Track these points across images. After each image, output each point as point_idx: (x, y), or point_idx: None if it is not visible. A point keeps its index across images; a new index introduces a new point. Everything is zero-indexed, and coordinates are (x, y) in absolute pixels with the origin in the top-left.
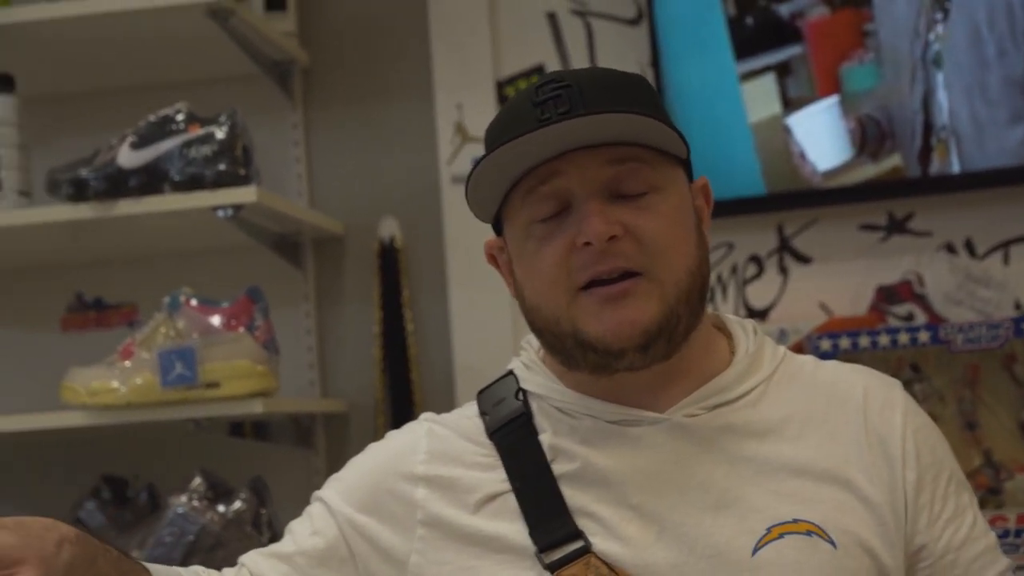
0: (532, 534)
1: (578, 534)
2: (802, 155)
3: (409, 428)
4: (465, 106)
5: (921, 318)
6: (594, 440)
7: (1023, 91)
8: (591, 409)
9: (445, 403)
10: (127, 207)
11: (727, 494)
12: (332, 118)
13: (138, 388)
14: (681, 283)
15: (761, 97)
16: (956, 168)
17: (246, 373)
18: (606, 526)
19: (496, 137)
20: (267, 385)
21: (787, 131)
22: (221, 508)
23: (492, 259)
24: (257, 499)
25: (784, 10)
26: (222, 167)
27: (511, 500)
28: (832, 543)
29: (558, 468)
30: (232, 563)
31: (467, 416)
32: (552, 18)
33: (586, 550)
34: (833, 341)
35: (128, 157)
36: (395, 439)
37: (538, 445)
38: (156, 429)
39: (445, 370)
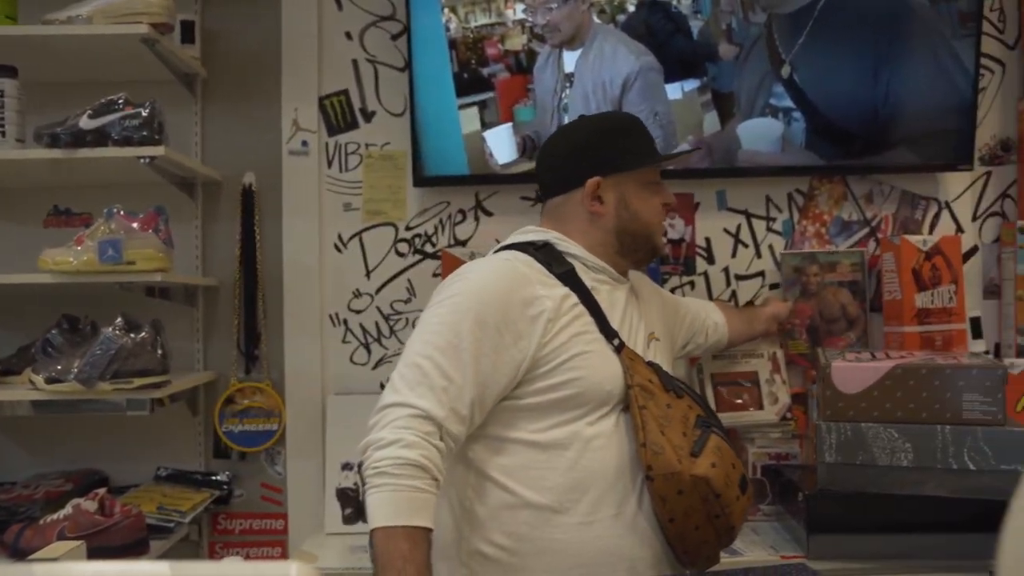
0: (600, 330)
1: (616, 334)
2: (491, 154)
3: (511, 267)
4: (299, 110)
5: None
6: (607, 285)
7: None
8: (607, 271)
9: (277, 282)
10: (84, 153)
11: (640, 316)
12: (219, 110)
13: (84, 262)
14: None
15: (469, 120)
16: None
17: (151, 257)
18: (618, 327)
19: (649, 144)
20: (164, 265)
21: (483, 140)
22: (133, 335)
23: (596, 187)
24: (155, 331)
25: (485, 71)
26: (144, 133)
27: (582, 308)
28: (659, 340)
29: (596, 296)
30: (139, 368)
31: (526, 264)
32: (355, 62)
33: (623, 343)
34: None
35: (86, 123)
36: (510, 276)
37: (584, 285)
38: (96, 288)
39: (276, 264)
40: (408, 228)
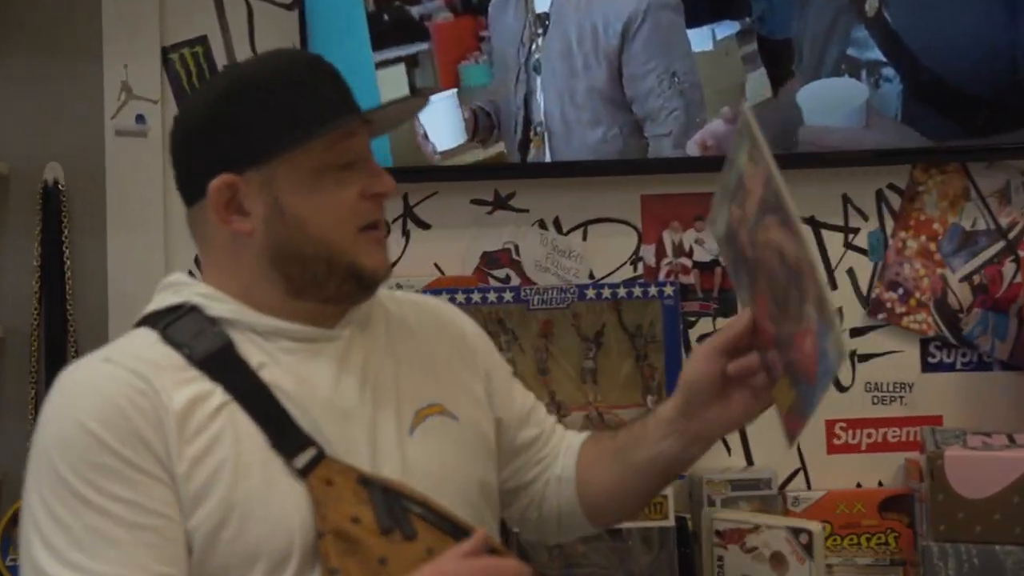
0: (273, 442)
1: (306, 440)
2: (425, 136)
3: (104, 377)
4: (131, 67)
5: (516, 280)
6: (300, 352)
7: (603, 99)
8: (284, 331)
9: (99, 332)
10: None
11: (397, 375)
12: (2, 67)
13: None
14: None
15: (392, 84)
16: (548, 158)
17: None
18: (319, 428)
19: (320, 99)
20: None
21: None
22: None
23: (229, 190)
24: None
25: (415, 11)
26: None
27: (234, 413)
28: (455, 417)
29: (266, 377)
30: None
31: (147, 347)
32: None
33: (322, 455)
34: (436, 296)
35: None
36: (95, 406)
37: (248, 367)
38: None
39: (100, 303)
40: None
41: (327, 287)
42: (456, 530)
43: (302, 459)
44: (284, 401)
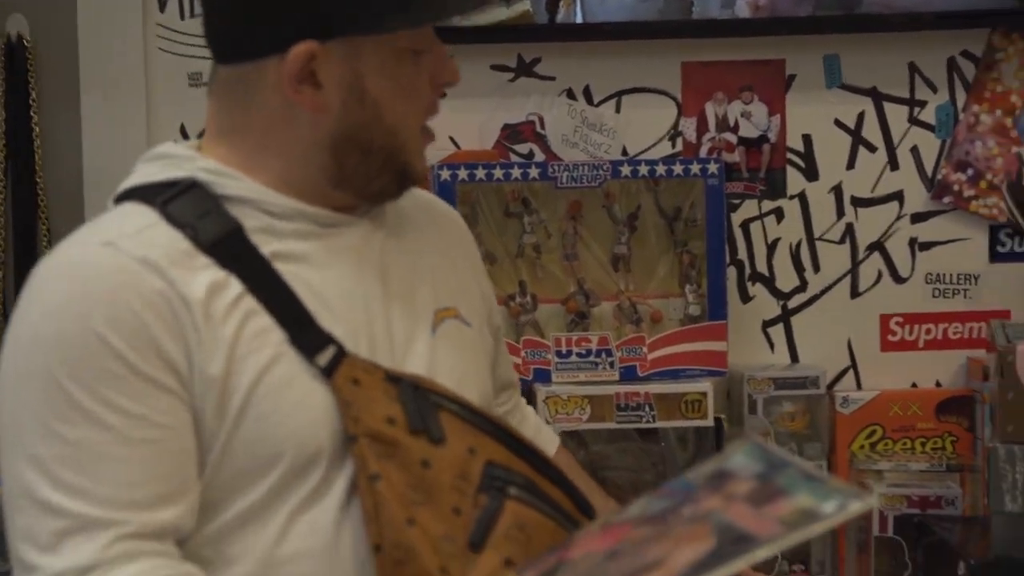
0: (292, 338)
1: (327, 338)
2: None
3: (112, 268)
4: None
5: (540, 157)
6: (314, 240)
7: None
8: (309, 215)
9: (74, 208)
10: None
11: (416, 275)
12: None
13: None
14: None
15: None
16: (579, 19)
17: None
18: (338, 322)
19: None
20: None
21: None
22: None
23: (309, 58)
24: None
25: None
26: None
27: (251, 304)
28: (467, 323)
29: (279, 267)
30: None
31: (148, 228)
32: None
33: (343, 352)
34: (452, 172)
35: None
36: (114, 292)
37: (261, 255)
38: None
39: (74, 175)
40: None
41: (374, 183)
42: (495, 429)
43: (324, 357)
44: (301, 293)
